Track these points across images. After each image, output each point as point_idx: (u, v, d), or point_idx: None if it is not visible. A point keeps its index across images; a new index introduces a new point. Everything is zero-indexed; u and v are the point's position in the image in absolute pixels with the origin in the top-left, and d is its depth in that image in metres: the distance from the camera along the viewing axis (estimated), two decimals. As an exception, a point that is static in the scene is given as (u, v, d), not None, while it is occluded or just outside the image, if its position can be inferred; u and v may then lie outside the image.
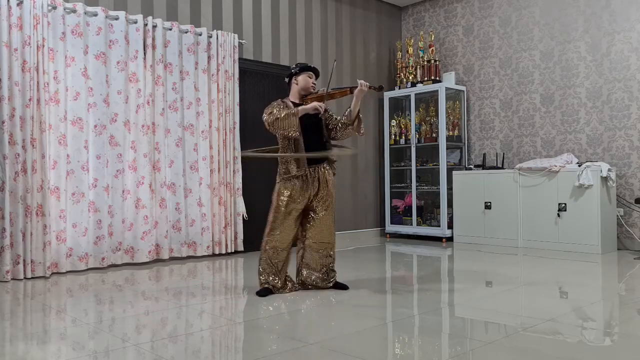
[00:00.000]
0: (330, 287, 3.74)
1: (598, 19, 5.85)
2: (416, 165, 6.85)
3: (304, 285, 3.74)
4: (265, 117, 3.57)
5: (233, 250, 5.61)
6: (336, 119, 3.78)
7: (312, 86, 3.72)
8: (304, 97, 3.71)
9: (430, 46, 6.94)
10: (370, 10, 7.34)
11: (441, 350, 2.41)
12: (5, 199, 4.24)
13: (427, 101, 7.10)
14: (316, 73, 3.78)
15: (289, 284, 3.69)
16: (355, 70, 7.11)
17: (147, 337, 2.64)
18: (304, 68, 3.72)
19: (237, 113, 5.62)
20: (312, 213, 3.71)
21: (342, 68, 6.95)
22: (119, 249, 4.87)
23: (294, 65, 3.80)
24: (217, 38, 5.51)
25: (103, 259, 4.73)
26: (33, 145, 4.35)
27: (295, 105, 3.64)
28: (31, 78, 4.35)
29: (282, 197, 3.58)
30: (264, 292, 3.55)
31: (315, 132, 3.68)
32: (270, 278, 3.60)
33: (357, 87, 3.66)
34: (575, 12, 6.02)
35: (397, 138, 7.11)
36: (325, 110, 3.67)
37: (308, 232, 3.73)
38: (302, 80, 3.70)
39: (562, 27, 6.13)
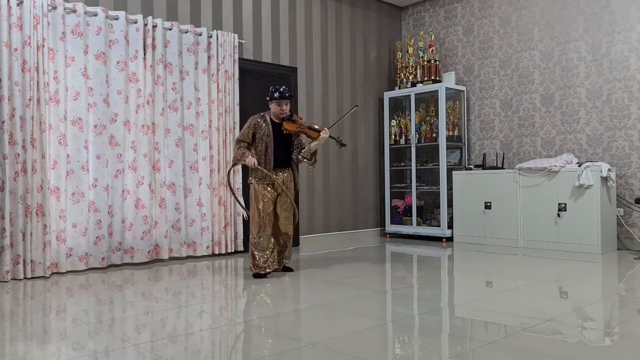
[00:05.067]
0: (281, 270, 4.52)
1: (598, 19, 5.85)
2: (416, 165, 6.85)
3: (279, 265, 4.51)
4: (238, 136, 4.34)
5: (233, 250, 5.61)
6: (301, 148, 4.48)
7: (281, 113, 4.31)
8: (281, 119, 4.35)
9: (430, 46, 6.95)
10: (370, 10, 7.34)
11: (441, 350, 2.41)
12: (5, 199, 4.24)
13: (427, 101, 7.10)
14: (288, 98, 4.30)
15: (273, 266, 4.39)
16: (356, 70, 7.11)
17: (147, 337, 2.64)
18: (274, 97, 4.28)
19: (237, 113, 5.62)
20: (278, 210, 4.41)
21: (342, 68, 6.95)
22: (119, 249, 4.87)
23: (272, 89, 4.32)
24: (217, 38, 5.51)
25: (103, 259, 4.74)
26: (33, 145, 4.35)
27: (273, 122, 4.35)
28: (31, 78, 4.35)
29: (258, 197, 4.30)
30: (257, 275, 4.28)
31: (285, 147, 4.41)
32: (261, 262, 4.30)
33: (321, 134, 4.34)
34: (575, 12, 6.02)
35: (397, 138, 7.11)
36: (297, 134, 4.43)
37: (277, 224, 4.45)
38: (274, 108, 4.33)
39: (562, 27, 6.13)
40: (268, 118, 4.36)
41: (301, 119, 4.42)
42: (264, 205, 4.29)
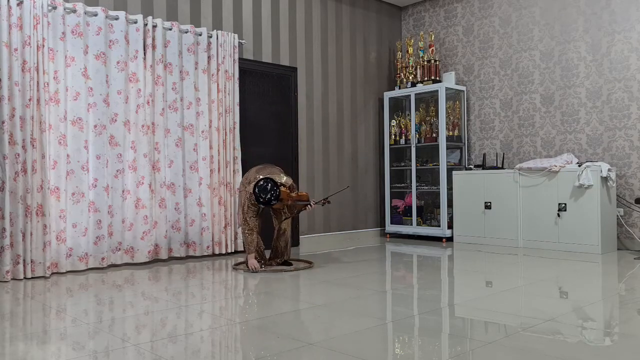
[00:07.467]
0: (280, 264, 4.88)
1: (598, 19, 5.85)
2: (416, 165, 6.85)
3: (274, 260, 4.88)
4: (246, 225, 4.60)
5: (233, 251, 5.61)
6: (295, 206, 4.87)
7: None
8: None
9: (430, 46, 6.95)
10: (370, 10, 7.34)
11: (441, 350, 2.41)
12: (5, 199, 4.24)
13: (427, 101, 7.10)
14: (271, 206, 4.49)
15: (264, 261, 4.83)
16: (356, 70, 7.11)
17: (147, 337, 2.64)
18: (259, 202, 4.44)
19: (237, 113, 5.62)
20: (281, 219, 4.84)
21: (342, 68, 6.95)
22: (119, 249, 4.87)
23: (257, 191, 4.42)
24: (217, 38, 5.51)
25: (103, 259, 4.74)
26: (33, 145, 4.35)
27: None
28: (31, 78, 4.35)
29: (250, 209, 4.63)
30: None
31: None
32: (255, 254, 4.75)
33: (307, 208, 4.74)
34: (575, 12, 6.02)
35: (397, 138, 7.11)
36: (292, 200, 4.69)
37: (279, 227, 4.85)
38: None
39: (562, 27, 6.13)
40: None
41: (288, 192, 4.57)
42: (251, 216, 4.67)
